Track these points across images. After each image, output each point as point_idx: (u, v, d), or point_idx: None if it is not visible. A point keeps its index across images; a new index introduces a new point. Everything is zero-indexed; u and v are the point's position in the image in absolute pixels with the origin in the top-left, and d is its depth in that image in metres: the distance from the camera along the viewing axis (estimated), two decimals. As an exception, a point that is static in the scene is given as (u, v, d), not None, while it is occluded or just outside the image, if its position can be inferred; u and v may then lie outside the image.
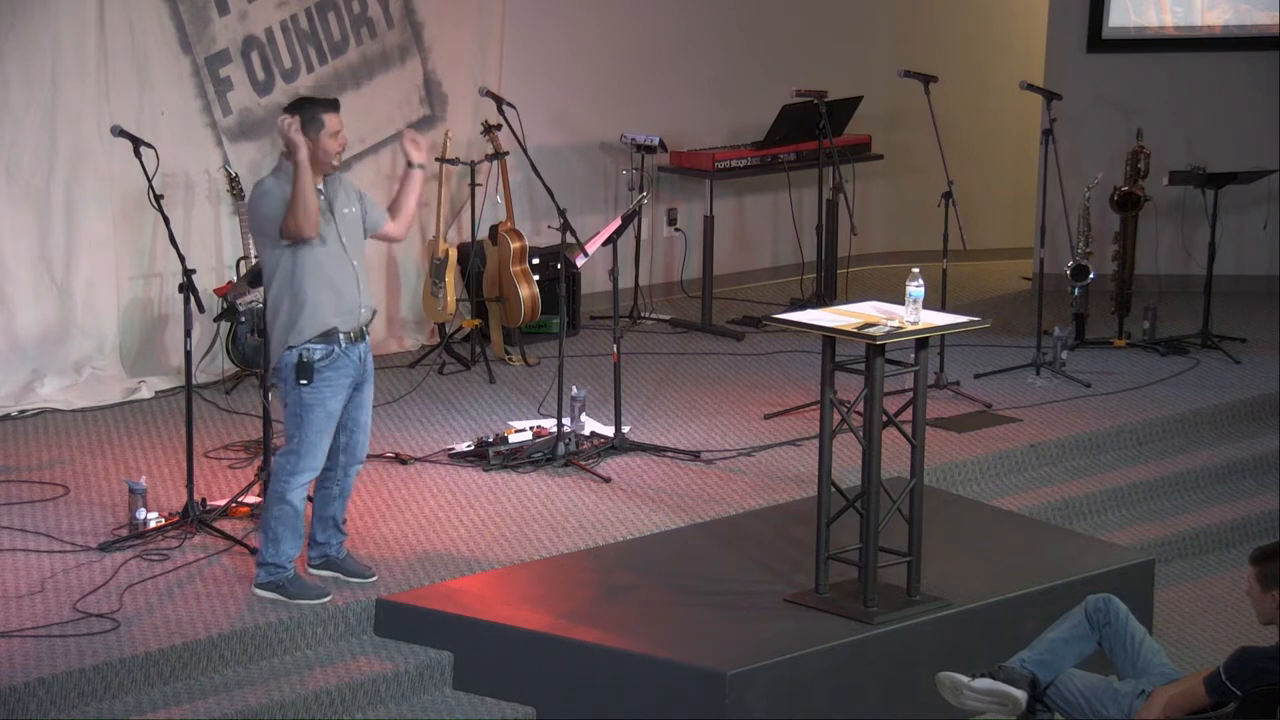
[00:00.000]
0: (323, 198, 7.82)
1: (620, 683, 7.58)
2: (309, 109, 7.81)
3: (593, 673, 7.63)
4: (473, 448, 9.65)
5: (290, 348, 7.75)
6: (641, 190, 11.92)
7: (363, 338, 7.90)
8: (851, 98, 12.46)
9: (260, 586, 7.90)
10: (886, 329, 7.68)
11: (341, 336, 7.79)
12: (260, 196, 7.79)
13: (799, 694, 7.55)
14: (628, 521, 8.87)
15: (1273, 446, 10.49)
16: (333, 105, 7.85)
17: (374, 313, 7.99)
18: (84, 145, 10.30)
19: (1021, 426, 10.30)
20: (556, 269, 11.27)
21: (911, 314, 7.77)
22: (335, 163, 7.82)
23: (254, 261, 9.89)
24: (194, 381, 8.71)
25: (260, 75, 10.93)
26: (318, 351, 7.75)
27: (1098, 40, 13.25)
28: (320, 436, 7.80)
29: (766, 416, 10.34)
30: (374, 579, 8.08)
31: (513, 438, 9.67)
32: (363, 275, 7.89)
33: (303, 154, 7.64)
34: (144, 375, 10.61)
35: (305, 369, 7.73)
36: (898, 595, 7.96)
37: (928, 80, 11.15)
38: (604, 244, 9.63)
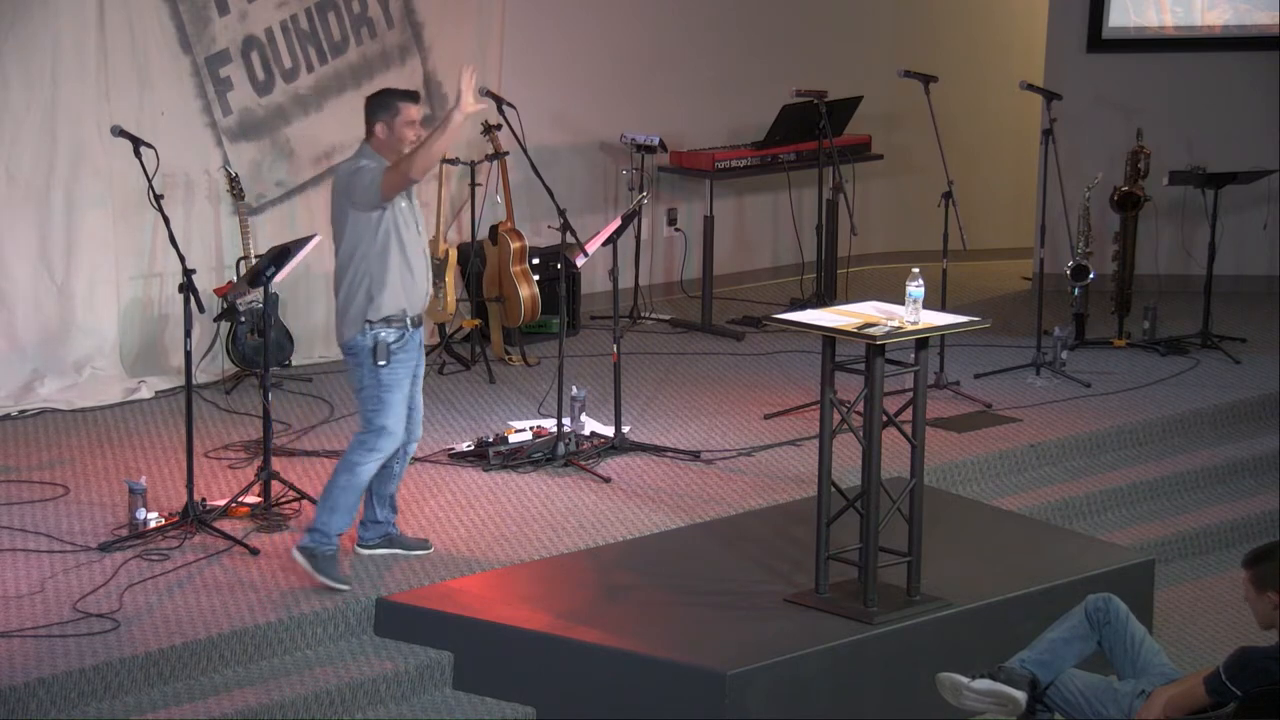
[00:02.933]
0: (405, 192, 8.11)
1: (620, 683, 7.58)
2: (387, 98, 8.14)
3: (593, 673, 7.63)
4: (473, 448, 9.65)
5: (366, 328, 8.01)
6: (641, 190, 11.92)
7: (420, 323, 8.18)
8: (851, 98, 12.46)
9: (300, 549, 8.07)
10: (886, 329, 7.68)
11: (409, 320, 8.09)
12: (358, 171, 8.03)
13: (799, 694, 7.55)
14: (628, 521, 8.87)
15: (1273, 446, 10.49)
16: (411, 96, 8.16)
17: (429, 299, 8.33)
18: (84, 145, 10.30)
19: (1021, 426, 10.30)
20: (556, 269, 11.27)
21: (911, 314, 7.77)
22: (407, 150, 8.03)
23: (254, 261, 9.90)
24: (194, 381, 8.71)
25: (260, 75, 10.93)
26: (391, 334, 8.04)
27: (1098, 40, 13.26)
28: (401, 416, 8.11)
29: (766, 416, 10.34)
30: (431, 549, 8.39)
31: (513, 438, 9.67)
32: (429, 264, 8.22)
33: (460, 115, 7.93)
34: (144, 375, 10.61)
35: (383, 350, 8.02)
36: (898, 595, 7.96)
37: (928, 80, 11.15)
38: (604, 244, 9.64)
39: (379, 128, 8.11)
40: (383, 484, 8.31)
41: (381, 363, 8.02)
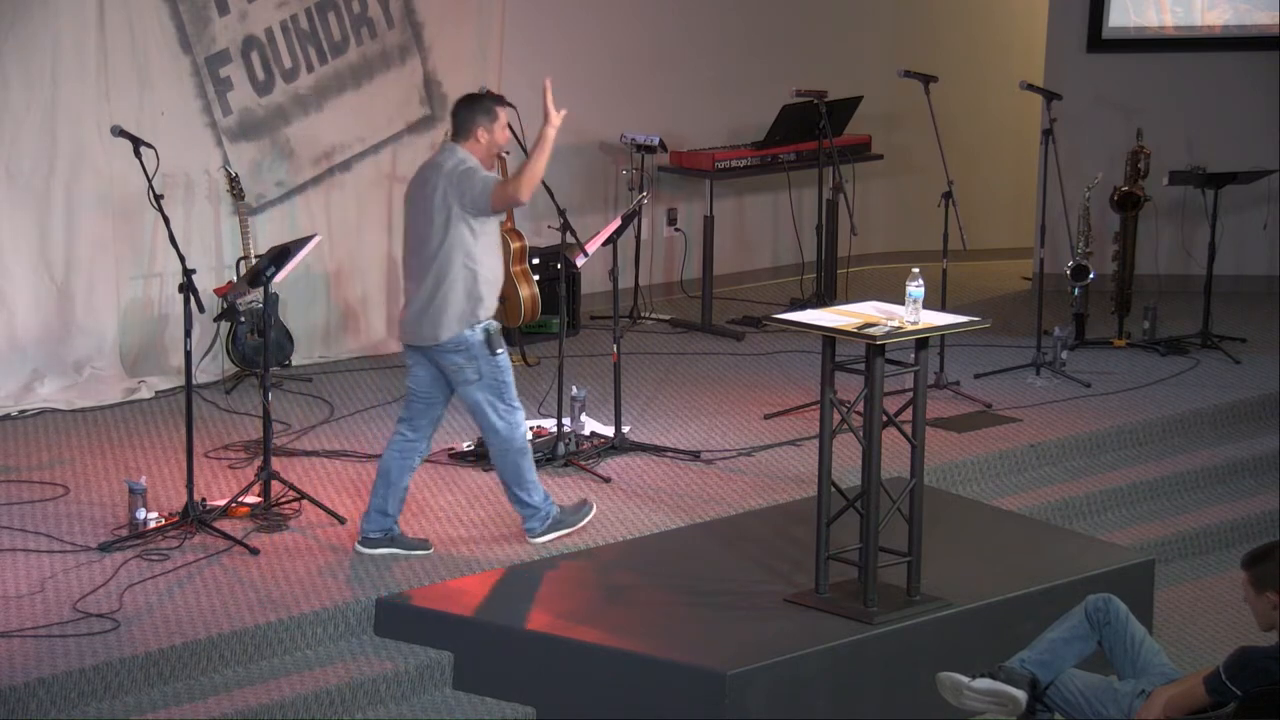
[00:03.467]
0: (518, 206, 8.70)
1: (620, 683, 7.58)
2: (488, 102, 8.37)
3: (593, 673, 7.63)
4: (473, 448, 9.65)
5: (474, 325, 8.25)
6: (641, 190, 11.92)
7: None
8: (851, 98, 12.46)
9: (539, 535, 8.53)
10: (886, 329, 7.68)
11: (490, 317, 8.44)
12: (469, 172, 8.21)
13: (799, 694, 7.55)
14: (628, 521, 8.87)
15: (1273, 446, 10.49)
16: (503, 100, 8.43)
17: None
18: (84, 145, 10.30)
19: (1021, 426, 10.30)
20: (556, 269, 11.27)
21: (911, 314, 7.77)
22: (502, 154, 8.54)
23: (254, 261, 9.90)
24: (194, 381, 8.71)
25: (260, 75, 10.93)
26: (493, 324, 8.35)
27: (1098, 40, 13.26)
28: (514, 384, 8.43)
29: (766, 416, 10.34)
30: (431, 550, 8.46)
31: (513, 438, 9.66)
32: None
33: (552, 130, 8.17)
34: (144, 375, 10.61)
35: (495, 338, 8.33)
36: (898, 595, 7.96)
37: (928, 80, 11.15)
38: (604, 244, 9.64)
39: (480, 132, 8.29)
40: (401, 475, 8.43)
41: (500, 350, 8.31)
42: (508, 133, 8.38)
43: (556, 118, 8.19)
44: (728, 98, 12.87)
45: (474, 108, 8.32)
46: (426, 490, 9.19)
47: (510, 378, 8.39)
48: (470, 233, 8.20)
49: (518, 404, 8.42)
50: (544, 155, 8.17)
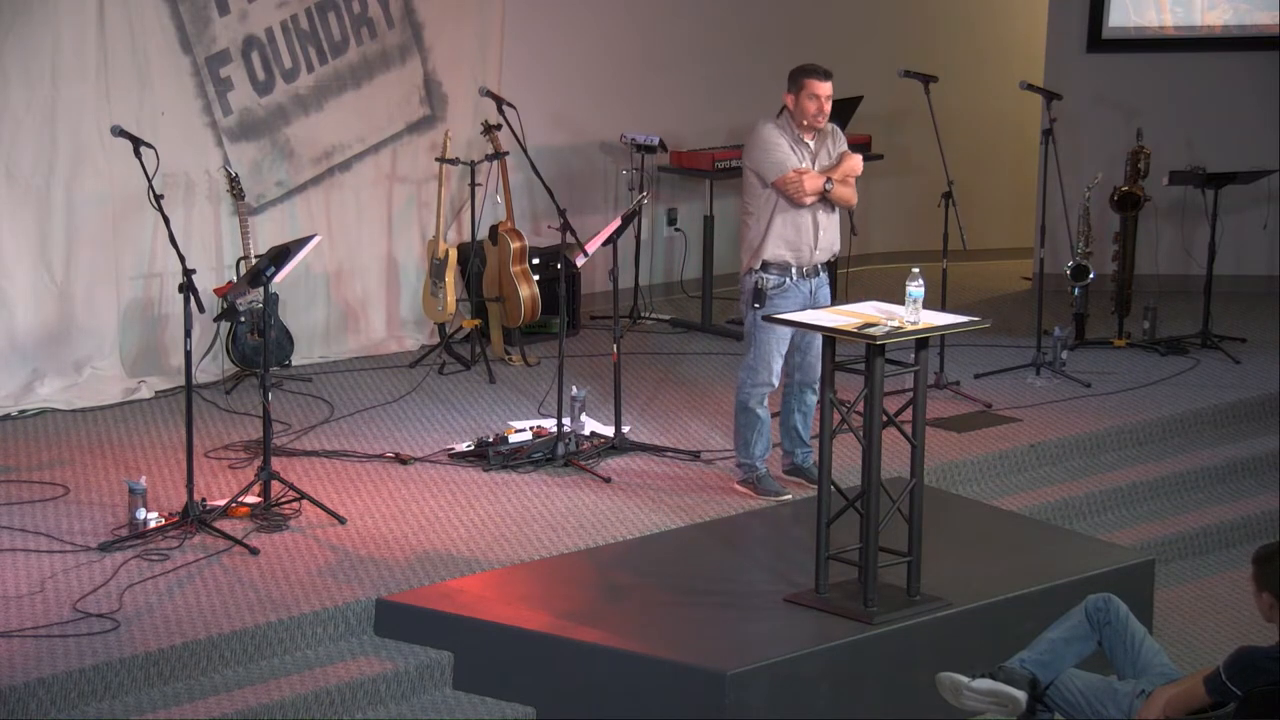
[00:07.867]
0: (810, 156, 8.93)
1: (620, 683, 7.58)
2: (796, 73, 8.88)
3: (593, 673, 7.63)
4: (473, 448, 9.65)
5: (750, 271, 8.91)
6: (641, 190, 11.93)
7: (816, 274, 8.98)
8: (851, 98, 12.46)
9: (740, 483, 9.17)
10: (886, 329, 7.68)
11: (794, 270, 8.89)
12: (762, 145, 8.89)
13: (799, 694, 7.55)
14: (628, 521, 8.87)
15: (1273, 446, 10.49)
16: (818, 73, 8.83)
17: (834, 255, 9.07)
18: (84, 145, 10.30)
19: (1021, 426, 10.30)
20: (556, 269, 11.27)
21: (911, 314, 7.77)
22: (806, 122, 8.85)
23: (254, 261, 9.90)
24: (194, 381, 8.71)
25: (260, 75, 10.93)
26: (771, 280, 8.88)
27: (1098, 40, 13.26)
28: (771, 353, 8.92)
29: (766, 416, 10.34)
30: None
31: (513, 438, 9.67)
32: (826, 223, 8.97)
33: (827, 186, 8.89)
34: (144, 375, 10.61)
35: (759, 294, 8.89)
36: (898, 595, 7.96)
37: (928, 80, 11.14)
38: (604, 244, 9.64)
39: (788, 98, 8.88)
40: (785, 417, 9.16)
41: (757, 305, 8.86)
42: (818, 103, 8.79)
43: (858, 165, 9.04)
44: (728, 98, 12.87)
45: (789, 75, 8.90)
46: (426, 490, 9.19)
47: (763, 338, 8.84)
48: (771, 193, 8.85)
49: (761, 369, 8.89)
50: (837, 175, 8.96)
